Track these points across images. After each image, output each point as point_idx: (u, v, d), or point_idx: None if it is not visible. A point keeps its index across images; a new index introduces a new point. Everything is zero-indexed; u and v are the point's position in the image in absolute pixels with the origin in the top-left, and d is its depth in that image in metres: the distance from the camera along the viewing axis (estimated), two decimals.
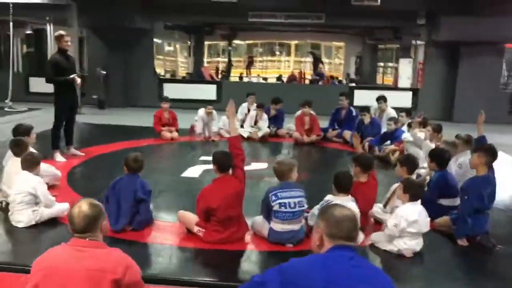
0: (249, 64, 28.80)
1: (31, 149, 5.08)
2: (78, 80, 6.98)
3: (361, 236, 4.17)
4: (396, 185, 4.70)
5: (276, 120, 9.83)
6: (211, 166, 4.41)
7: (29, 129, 5.63)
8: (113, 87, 13.92)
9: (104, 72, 13.83)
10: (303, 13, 13.73)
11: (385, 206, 4.79)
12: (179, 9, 13.82)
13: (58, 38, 6.95)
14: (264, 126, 9.42)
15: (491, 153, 4.43)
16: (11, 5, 12.36)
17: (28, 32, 17.84)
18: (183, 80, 15.36)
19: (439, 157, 5.01)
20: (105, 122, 10.98)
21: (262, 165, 7.16)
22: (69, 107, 7.12)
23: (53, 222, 4.54)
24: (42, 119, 9.86)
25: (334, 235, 2.06)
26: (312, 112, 9.27)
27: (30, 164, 4.51)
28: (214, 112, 9.46)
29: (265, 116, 9.61)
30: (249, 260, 4.00)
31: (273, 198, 4.11)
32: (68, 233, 2.50)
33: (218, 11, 13.59)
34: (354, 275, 1.96)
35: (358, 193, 4.29)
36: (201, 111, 9.30)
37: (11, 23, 13.09)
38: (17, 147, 4.93)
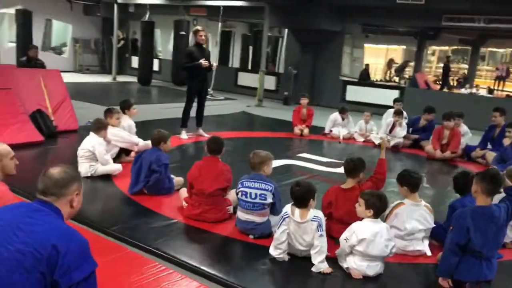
0: (506, 75, 26.02)
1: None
2: (207, 64, 7.84)
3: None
4: (396, 202, 4.16)
5: (424, 131, 9.02)
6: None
7: (130, 104, 6.77)
8: (301, 86, 14.73)
9: (295, 71, 14.78)
10: None
11: None
12: (367, 12, 13.70)
13: (195, 33, 8.06)
14: (399, 134, 8.79)
15: (492, 180, 3.47)
16: (221, 8, 14.41)
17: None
18: (366, 84, 15.09)
19: None
20: (277, 117, 11.76)
21: None
22: (198, 91, 8.16)
23: (106, 177, 5.57)
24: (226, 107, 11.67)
25: None
26: (456, 125, 8.30)
27: (96, 128, 5.62)
28: (350, 116, 9.42)
29: (404, 124, 8.95)
30: (207, 241, 4.19)
31: (239, 185, 4.21)
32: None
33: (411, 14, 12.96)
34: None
35: None
36: (335, 114, 9.43)
37: (219, 24, 15.22)
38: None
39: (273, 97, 14.95)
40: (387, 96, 13.38)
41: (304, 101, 9.50)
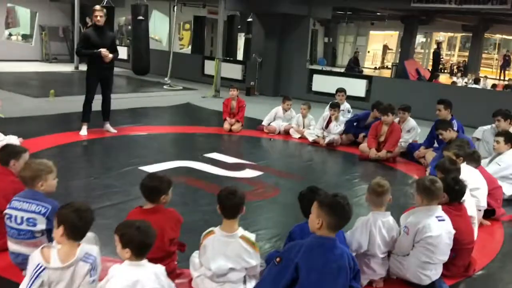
0: (505, 63, 24.60)
1: None
2: (108, 55, 6.89)
3: None
4: (208, 230, 3.13)
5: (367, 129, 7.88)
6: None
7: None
8: (266, 75, 13.64)
9: (260, 59, 13.69)
10: None
11: None
12: None
13: (92, 13, 7.04)
14: (333, 130, 7.68)
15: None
16: None
17: None
18: (333, 73, 13.88)
19: None
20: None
21: (255, 173, 5.89)
22: (98, 80, 7.16)
23: None
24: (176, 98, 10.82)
25: None
26: (401, 119, 7.31)
27: None
28: (293, 110, 8.36)
29: (341, 118, 7.85)
30: None
31: (7, 205, 3.21)
32: None
33: None
34: None
35: None
36: (277, 108, 8.38)
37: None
38: None
39: (239, 87, 13.83)
40: (356, 87, 12.29)
41: (233, 92, 8.43)
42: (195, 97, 12.09)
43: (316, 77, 13.25)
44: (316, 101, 10.83)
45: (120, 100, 10.57)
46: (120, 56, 7.78)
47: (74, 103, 9.30)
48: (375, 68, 28.70)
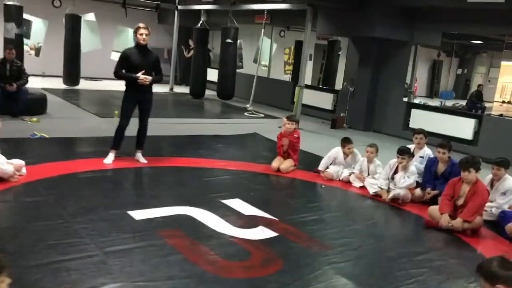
0: None
1: None
2: (145, 79, 6.16)
3: None
4: None
5: (444, 180, 6.10)
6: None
7: None
8: (358, 106, 12.10)
9: (352, 88, 12.22)
10: None
11: None
12: (446, 16, 10.61)
13: (135, 31, 6.37)
14: (402, 184, 6.00)
15: None
16: (265, 12, 12.53)
17: None
18: (436, 108, 11.70)
19: None
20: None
21: (268, 234, 4.55)
22: (134, 105, 6.45)
23: None
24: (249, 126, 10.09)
25: None
26: (495, 176, 5.59)
27: None
28: (356, 151, 6.87)
29: (412, 168, 6.14)
30: None
31: None
32: None
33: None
34: None
35: None
36: (336, 149, 6.97)
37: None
38: None
39: (330, 118, 12.45)
40: (462, 127, 10.26)
41: (289, 126, 7.13)
42: (271, 127, 11.01)
43: (414, 112, 11.35)
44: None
45: (185, 126, 9.95)
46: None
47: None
48: (503, 102, 25.55)
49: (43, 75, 15.85)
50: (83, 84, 14.95)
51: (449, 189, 5.41)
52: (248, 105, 13.01)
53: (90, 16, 17.19)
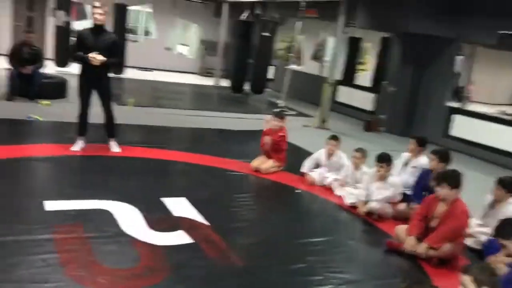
0: None
1: None
2: (95, 58, 5.75)
3: None
4: None
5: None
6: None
7: None
8: (399, 109, 11.03)
9: (393, 89, 11.16)
10: None
11: None
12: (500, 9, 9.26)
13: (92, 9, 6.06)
14: (377, 195, 5.13)
15: None
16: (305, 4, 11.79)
17: None
18: (484, 116, 10.18)
19: None
20: (310, 147, 8.65)
21: (182, 241, 4.00)
22: (89, 90, 6.12)
23: None
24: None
25: None
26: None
27: None
28: (341, 154, 6.08)
29: (393, 180, 5.23)
30: None
31: None
32: None
33: None
34: None
35: None
36: (321, 151, 6.24)
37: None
38: None
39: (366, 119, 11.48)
40: (510, 137, 8.94)
41: (276, 123, 6.44)
42: (294, 124, 10.28)
43: (457, 118, 10.07)
44: (455, 150, 8.01)
45: (202, 119, 9.56)
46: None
47: (152, 115, 8.65)
48: None
49: None
50: (130, 73, 15.07)
51: (423, 208, 4.50)
52: (279, 101, 12.36)
53: (146, 7, 17.50)
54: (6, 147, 5.95)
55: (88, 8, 15.09)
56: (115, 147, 6.40)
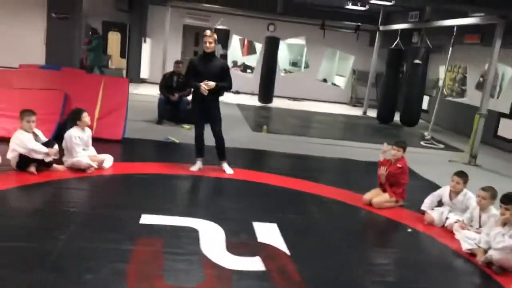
0: None
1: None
2: (203, 86, 6.04)
3: None
4: None
5: None
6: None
7: (79, 112, 6.07)
8: None
9: None
10: None
11: None
12: None
13: (202, 38, 6.36)
14: (497, 243, 4.28)
15: None
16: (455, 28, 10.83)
17: None
18: None
19: None
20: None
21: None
22: (201, 114, 6.41)
23: None
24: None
25: None
26: None
27: None
28: (469, 193, 5.37)
29: None
30: None
31: None
32: None
33: None
34: None
35: None
36: (445, 188, 5.63)
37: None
38: None
39: None
40: None
41: (395, 152, 5.90)
42: (441, 160, 9.41)
43: None
44: None
45: (332, 147, 9.31)
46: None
47: (283, 142, 8.80)
48: None
49: (236, 93, 16.84)
50: (280, 103, 15.48)
51: None
52: (426, 133, 11.42)
53: (300, 39, 17.97)
54: (137, 163, 6.53)
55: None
56: (228, 169, 6.55)
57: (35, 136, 5.67)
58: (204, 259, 3.91)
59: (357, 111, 16.31)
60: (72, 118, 6.08)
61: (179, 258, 3.87)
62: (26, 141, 5.50)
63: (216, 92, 6.27)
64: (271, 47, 14.97)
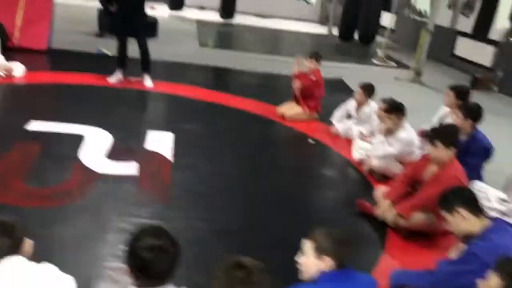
0: None
1: None
2: None
3: None
4: None
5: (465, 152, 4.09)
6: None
7: None
8: None
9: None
10: None
11: None
12: None
13: None
14: (377, 151, 4.34)
15: None
16: None
17: None
18: None
19: None
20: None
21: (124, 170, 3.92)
22: (121, 26, 6.18)
23: None
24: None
25: None
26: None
27: None
28: (374, 104, 5.33)
29: (402, 135, 4.32)
30: None
31: None
32: None
33: None
34: None
35: None
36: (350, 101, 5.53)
37: None
38: None
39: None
40: None
41: (307, 64, 5.80)
42: (387, 77, 9.29)
43: None
44: None
45: (271, 63, 9.08)
46: None
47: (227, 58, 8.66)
48: None
49: (200, 8, 16.20)
50: (240, 19, 14.96)
51: (411, 168, 3.69)
52: (378, 50, 11.22)
53: None
54: (50, 73, 6.40)
55: None
56: (148, 82, 6.43)
57: None
58: (77, 163, 3.91)
59: (324, 30, 15.86)
60: None
61: (49, 162, 3.86)
62: None
63: (136, 3, 6.04)
64: None
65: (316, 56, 5.82)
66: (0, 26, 7.15)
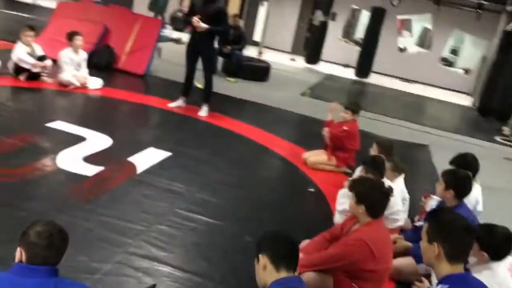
0: None
1: None
2: (199, 25, 6.17)
3: None
4: None
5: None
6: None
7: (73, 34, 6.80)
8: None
9: None
10: None
11: None
12: None
13: None
14: (339, 206, 3.76)
15: None
16: None
17: None
18: None
19: None
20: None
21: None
22: (193, 53, 6.57)
23: None
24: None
25: None
26: None
27: None
28: None
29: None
30: None
31: None
32: None
33: None
34: None
35: None
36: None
37: None
38: None
39: None
40: None
41: (342, 114, 5.36)
42: (497, 155, 8.07)
43: None
44: None
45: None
46: None
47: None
48: None
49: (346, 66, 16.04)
50: (380, 80, 14.50)
51: (341, 224, 3.15)
52: (504, 127, 9.76)
53: (425, 17, 16.41)
54: (124, 91, 7.12)
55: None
56: (203, 112, 6.68)
57: (32, 49, 6.54)
58: (49, 158, 4.22)
59: (466, 101, 14.39)
60: (67, 38, 6.77)
61: (27, 154, 4.25)
62: (17, 51, 6.41)
63: (209, 34, 6.39)
64: (376, 18, 14.11)
65: (354, 107, 5.38)
66: (111, 50, 8.30)
